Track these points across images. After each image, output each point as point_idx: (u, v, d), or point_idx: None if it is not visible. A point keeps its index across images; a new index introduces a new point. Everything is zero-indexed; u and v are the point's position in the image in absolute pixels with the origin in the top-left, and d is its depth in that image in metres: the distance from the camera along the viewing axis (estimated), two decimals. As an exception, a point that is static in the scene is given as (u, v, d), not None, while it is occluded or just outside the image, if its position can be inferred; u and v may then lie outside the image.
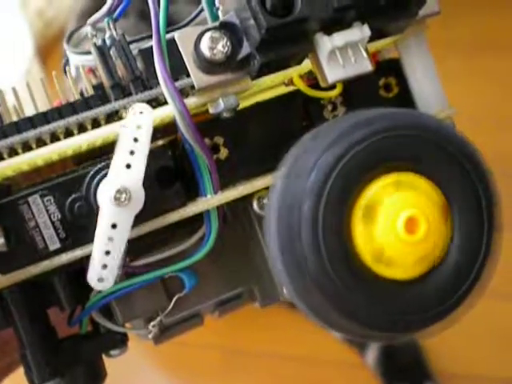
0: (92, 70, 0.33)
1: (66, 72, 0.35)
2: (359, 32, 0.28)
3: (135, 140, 0.26)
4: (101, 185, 0.26)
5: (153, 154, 0.29)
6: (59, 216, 0.28)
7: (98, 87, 0.31)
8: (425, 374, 0.71)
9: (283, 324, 0.73)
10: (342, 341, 0.73)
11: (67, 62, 0.36)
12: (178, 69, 0.29)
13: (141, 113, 0.27)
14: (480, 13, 0.85)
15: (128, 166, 0.26)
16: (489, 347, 0.70)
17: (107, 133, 0.28)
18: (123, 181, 0.26)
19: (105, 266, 0.27)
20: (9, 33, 0.87)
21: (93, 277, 0.27)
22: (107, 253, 0.26)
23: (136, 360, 0.72)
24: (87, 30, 0.32)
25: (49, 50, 0.97)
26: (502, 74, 0.82)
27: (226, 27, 0.28)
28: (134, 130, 0.26)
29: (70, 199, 0.28)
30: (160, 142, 0.29)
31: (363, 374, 0.72)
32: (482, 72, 0.80)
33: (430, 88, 0.32)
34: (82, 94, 0.32)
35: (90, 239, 0.28)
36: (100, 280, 0.27)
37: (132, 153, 0.26)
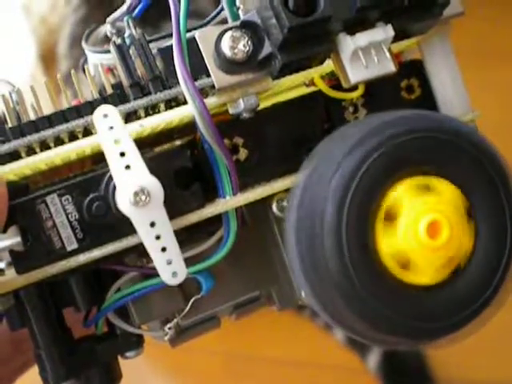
0: (110, 70, 0.33)
1: (84, 71, 0.35)
2: (383, 32, 0.27)
3: (116, 142, 0.26)
4: (117, 198, 0.26)
5: (171, 155, 0.28)
6: (77, 216, 0.28)
7: (117, 86, 0.31)
8: (427, 379, 0.71)
9: (286, 329, 0.73)
10: (344, 345, 0.72)
11: (85, 61, 0.35)
12: (197, 68, 0.29)
13: (105, 115, 0.26)
14: (486, 19, 0.83)
15: (127, 167, 0.26)
16: (491, 352, 0.69)
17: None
18: (133, 182, 0.25)
19: (170, 262, 0.26)
20: (12, 39, 0.86)
21: (166, 277, 0.27)
22: (163, 249, 0.26)
23: (138, 365, 0.71)
24: (106, 28, 0.32)
25: (52, 57, 0.97)
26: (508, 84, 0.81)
27: (248, 26, 0.28)
28: (109, 134, 0.26)
29: (88, 199, 0.27)
30: (178, 143, 0.29)
31: (365, 378, 0.72)
32: (487, 82, 0.79)
33: (453, 90, 0.32)
34: (100, 93, 0.31)
35: (107, 240, 0.28)
36: (174, 275, 0.26)
37: (122, 154, 0.26)
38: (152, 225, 0.26)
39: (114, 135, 0.26)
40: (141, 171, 0.26)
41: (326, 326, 0.72)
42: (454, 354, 0.69)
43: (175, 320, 0.32)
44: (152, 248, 0.26)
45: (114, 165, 0.26)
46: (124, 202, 0.25)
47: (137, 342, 0.33)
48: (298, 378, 0.71)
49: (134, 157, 0.26)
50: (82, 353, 0.32)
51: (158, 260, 0.26)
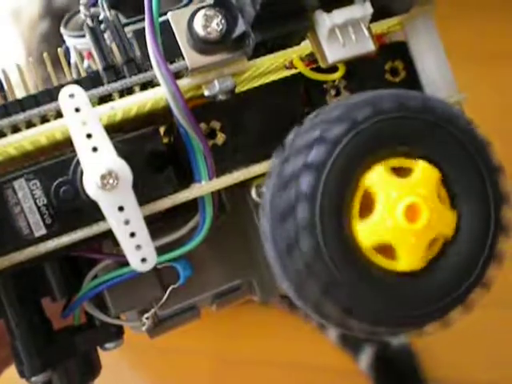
0: (93, 56, 0.32)
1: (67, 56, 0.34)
2: (361, 9, 0.26)
3: (84, 123, 0.25)
4: (84, 182, 0.25)
5: (142, 138, 0.28)
6: (45, 201, 0.27)
7: (95, 71, 0.30)
8: (418, 380, 0.70)
9: (272, 331, 0.71)
10: (335, 345, 0.71)
11: (67, 49, 0.35)
12: (174, 51, 0.28)
13: (71, 95, 0.25)
14: (487, 16, 0.81)
15: (94, 150, 0.25)
16: (481, 353, 0.68)
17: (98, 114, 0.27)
18: (100, 165, 0.25)
19: (139, 247, 0.25)
20: (1, 44, 0.86)
21: (135, 263, 0.25)
22: (132, 235, 0.25)
23: (122, 368, 0.70)
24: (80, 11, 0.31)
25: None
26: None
27: (221, 4, 0.27)
28: (76, 115, 0.25)
29: (55, 183, 0.27)
30: (150, 127, 0.28)
31: (356, 380, 0.71)
32: (487, 81, 0.77)
33: (438, 72, 0.31)
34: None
35: (77, 225, 0.27)
36: (143, 261, 0.25)
37: (89, 136, 0.25)
38: (120, 209, 0.25)
39: (80, 116, 0.25)
40: (108, 153, 0.25)
41: (320, 325, 0.72)
42: (447, 355, 0.69)
43: (153, 310, 0.31)
44: (120, 233, 0.25)
45: (81, 147, 0.25)
46: (91, 186, 0.25)
47: (116, 334, 0.32)
48: (287, 381, 0.70)
49: (101, 138, 0.25)
50: (60, 344, 0.31)
51: (126, 245, 0.25)
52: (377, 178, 0.24)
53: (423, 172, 0.25)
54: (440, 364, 0.70)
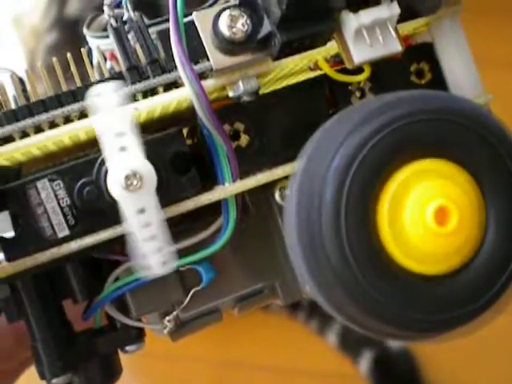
0: (115, 57, 0.32)
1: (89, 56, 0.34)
2: (387, 9, 0.26)
3: (114, 122, 0.24)
4: (108, 181, 0.25)
5: (166, 139, 0.27)
6: (68, 201, 0.27)
7: (119, 72, 0.30)
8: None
9: (273, 336, 0.71)
10: (337, 349, 0.71)
11: (90, 50, 0.35)
12: (199, 52, 0.28)
13: (100, 94, 0.25)
14: (488, 25, 0.80)
15: (123, 149, 0.24)
16: (482, 359, 0.68)
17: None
18: (126, 165, 0.24)
19: (159, 251, 0.25)
20: (1, 51, 0.86)
21: (156, 266, 0.25)
22: (153, 238, 0.25)
23: (123, 374, 0.70)
24: (104, 11, 0.31)
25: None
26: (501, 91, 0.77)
27: (246, 4, 0.27)
28: (107, 114, 0.24)
29: (79, 184, 0.26)
30: (174, 128, 0.28)
31: None
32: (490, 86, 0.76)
33: (464, 73, 0.30)
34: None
35: (100, 226, 0.27)
36: (164, 264, 0.25)
37: (119, 135, 0.24)
38: (141, 211, 0.24)
39: (110, 115, 0.25)
40: (136, 154, 0.25)
41: (320, 329, 0.71)
42: (447, 360, 0.68)
43: (174, 312, 0.31)
44: (140, 236, 0.25)
45: (109, 145, 0.24)
46: (115, 186, 0.24)
47: (137, 336, 0.32)
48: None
49: (131, 139, 0.25)
50: (81, 346, 0.31)
51: (145, 248, 0.25)
52: (407, 178, 0.24)
53: (450, 173, 0.24)
54: (440, 370, 0.69)
